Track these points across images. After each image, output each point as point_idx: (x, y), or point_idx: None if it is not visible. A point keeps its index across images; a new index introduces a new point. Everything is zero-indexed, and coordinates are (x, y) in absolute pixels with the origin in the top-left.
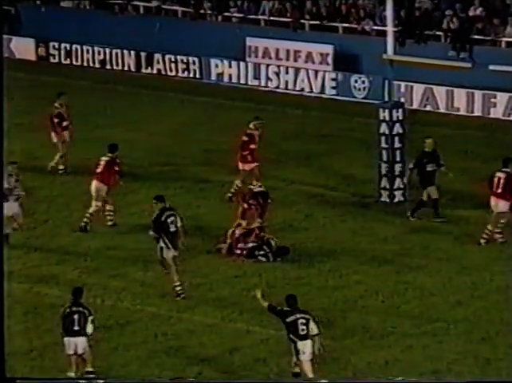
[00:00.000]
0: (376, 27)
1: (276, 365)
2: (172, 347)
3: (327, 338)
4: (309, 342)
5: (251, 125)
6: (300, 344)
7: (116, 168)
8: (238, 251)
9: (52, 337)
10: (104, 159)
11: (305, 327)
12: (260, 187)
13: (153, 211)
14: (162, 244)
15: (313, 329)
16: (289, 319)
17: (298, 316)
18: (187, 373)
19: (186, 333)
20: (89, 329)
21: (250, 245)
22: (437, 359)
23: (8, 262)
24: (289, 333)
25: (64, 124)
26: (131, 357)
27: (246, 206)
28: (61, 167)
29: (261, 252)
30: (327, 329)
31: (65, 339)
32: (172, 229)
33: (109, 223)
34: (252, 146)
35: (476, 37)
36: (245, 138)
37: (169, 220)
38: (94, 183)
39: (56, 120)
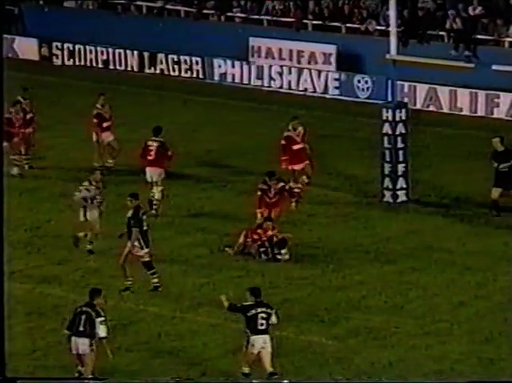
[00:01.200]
0: (379, 27)
1: (279, 365)
2: (175, 347)
3: (330, 338)
4: (267, 337)
5: (289, 127)
6: (254, 338)
7: (168, 151)
8: (252, 251)
9: (55, 337)
10: (154, 144)
11: (264, 322)
12: (305, 184)
13: (128, 208)
14: (135, 242)
15: (274, 320)
16: (249, 313)
17: (259, 310)
18: (190, 373)
19: (189, 334)
20: (101, 331)
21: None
22: (440, 359)
23: (11, 262)
24: (247, 327)
25: (105, 124)
26: (134, 357)
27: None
28: (96, 164)
29: (262, 249)
30: (330, 329)
31: (71, 338)
32: (145, 227)
33: (153, 212)
34: (295, 147)
35: (479, 37)
36: (283, 142)
37: (144, 218)
38: (149, 170)
39: (95, 121)
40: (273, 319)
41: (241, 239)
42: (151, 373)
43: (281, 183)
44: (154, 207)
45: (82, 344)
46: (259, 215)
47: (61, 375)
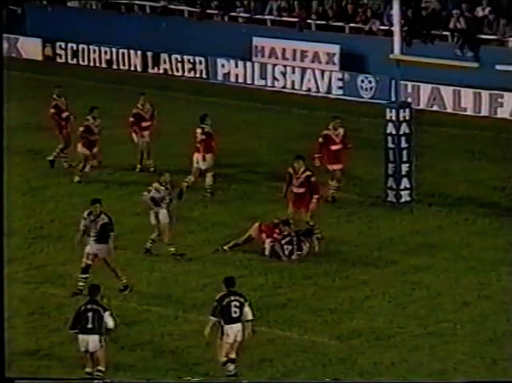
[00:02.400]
0: (382, 27)
1: (282, 365)
2: (178, 347)
3: (333, 338)
4: (238, 326)
5: (330, 126)
6: (227, 327)
7: (213, 139)
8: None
9: (58, 336)
10: (199, 131)
11: (237, 310)
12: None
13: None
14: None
15: (248, 314)
16: (224, 302)
17: (232, 298)
18: (193, 373)
19: (192, 334)
20: (110, 324)
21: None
22: (444, 359)
23: (14, 262)
24: (221, 316)
25: (144, 124)
26: (137, 357)
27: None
28: (149, 162)
29: (286, 239)
30: (333, 329)
31: (79, 336)
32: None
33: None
34: (333, 147)
35: (483, 36)
36: (320, 140)
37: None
38: (197, 156)
39: (133, 120)
40: (247, 310)
41: (253, 233)
42: (155, 373)
43: (308, 172)
44: (208, 191)
45: (92, 341)
46: (290, 205)
47: (65, 375)
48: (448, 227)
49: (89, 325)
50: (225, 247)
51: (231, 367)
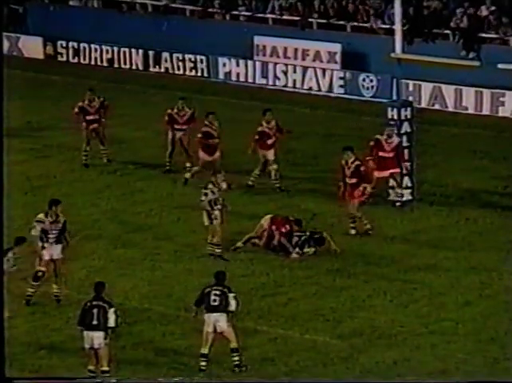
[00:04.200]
0: (384, 26)
1: (284, 364)
2: (180, 346)
3: (335, 337)
4: (217, 315)
5: (385, 131)
6: (206, 316)
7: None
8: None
9: (60, 336)
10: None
11: (217, 298)
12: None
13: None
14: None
15: (231, 305)
16: (205, 291)
17: (214, 288)
18: (194, 373)
19: (193, 333)
20: (112, 321)
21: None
22: (445, 358)
23: (16, 261)
24: (201, 304)
25: (176, 126)
26: (138, 356)
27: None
28: (188, 164)
29: (298, 234)
30: (335, 328)
31: (84, 333)
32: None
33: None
34: (381, 153)
35: (485, 35)
36: (372, 143)
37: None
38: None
39: (167, 119)
40: (232, 302)
41: (265, 223)
42: (156, 372)
43: (358, 162)
44: (276, 184)
45: (97, 337)
46: (347, 197)
47: (66, 374)
48: (449, 226)
49: (94, 322)
50: (238, 244)
51: (203, 363)
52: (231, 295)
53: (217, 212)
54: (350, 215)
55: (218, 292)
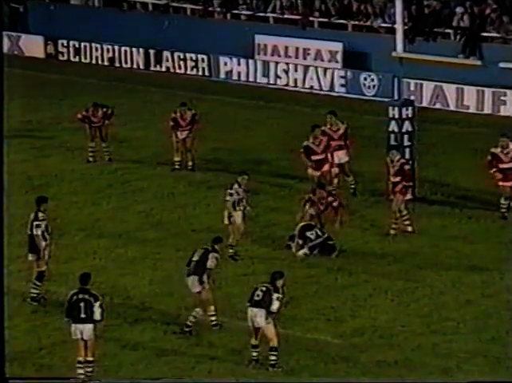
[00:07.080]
0: (385, 25)
1: (285, 363)
2: (182, 345)
3: (336, 337)
4: (256, 310)
5: (499, 144)
6: (248, 309)
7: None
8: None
9: (61, 335)
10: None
11: (261, 294)
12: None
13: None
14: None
15: (274, 304)
16: (256, 286)
17: (263, 284)
18: (196, 372)
19: (195, 332)
20: (97, 315)
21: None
22: (447, 358)
23: (17, 260)
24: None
25: (180, 129)
26: (139, 355)
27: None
28: (190, 163)
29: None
30: (336, 327)
31: (72, 325)
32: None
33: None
34: (502, 165)
35: (486, 34)
36: (489, 158)
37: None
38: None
39: (172, 124)
40: (275, 302)
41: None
42: (157, 372)
43: (403, 160)
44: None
45: (88, 329)
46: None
47: (67, 373)
48: (451, 225)
49: (82, 315)
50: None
51: (254, 353)
52: (276, 295)
53: (239, 213)
54: (392, 213)
55: (264, 288)
